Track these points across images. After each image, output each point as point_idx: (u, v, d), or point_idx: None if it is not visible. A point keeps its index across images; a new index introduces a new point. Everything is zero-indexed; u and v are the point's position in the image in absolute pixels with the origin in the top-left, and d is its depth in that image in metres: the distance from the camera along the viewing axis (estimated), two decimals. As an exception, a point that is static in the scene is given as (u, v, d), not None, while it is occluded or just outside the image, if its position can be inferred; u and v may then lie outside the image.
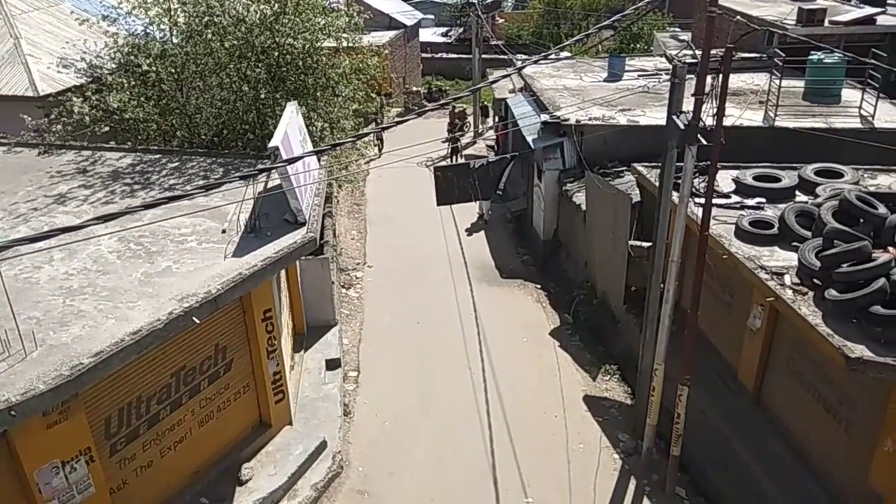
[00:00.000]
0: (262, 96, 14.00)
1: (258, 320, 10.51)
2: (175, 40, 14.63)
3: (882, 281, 8.61)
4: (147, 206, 5.75)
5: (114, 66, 14.96)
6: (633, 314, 13.75)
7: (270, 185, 11.04)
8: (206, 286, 9.02)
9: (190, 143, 14.63)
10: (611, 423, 12.34)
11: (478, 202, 20.17)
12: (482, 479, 11.17)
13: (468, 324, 15.68)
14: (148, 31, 14.87)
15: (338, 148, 16.54)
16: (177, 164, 12.88)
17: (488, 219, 21.10)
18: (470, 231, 19.75)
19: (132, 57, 14.45)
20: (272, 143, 9.84)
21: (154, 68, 14.09)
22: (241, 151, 14.02)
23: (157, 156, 13.31)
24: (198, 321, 8.67)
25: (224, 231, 10.38)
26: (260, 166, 8.18)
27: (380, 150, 24.59)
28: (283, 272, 12.79)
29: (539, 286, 17.86)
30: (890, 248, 9.53)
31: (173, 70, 14.34)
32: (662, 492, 10.64)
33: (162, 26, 14.56)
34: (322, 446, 11.33)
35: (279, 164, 8.15)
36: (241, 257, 9.70)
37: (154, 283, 9.18)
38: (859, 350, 8.14)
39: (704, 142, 9.21)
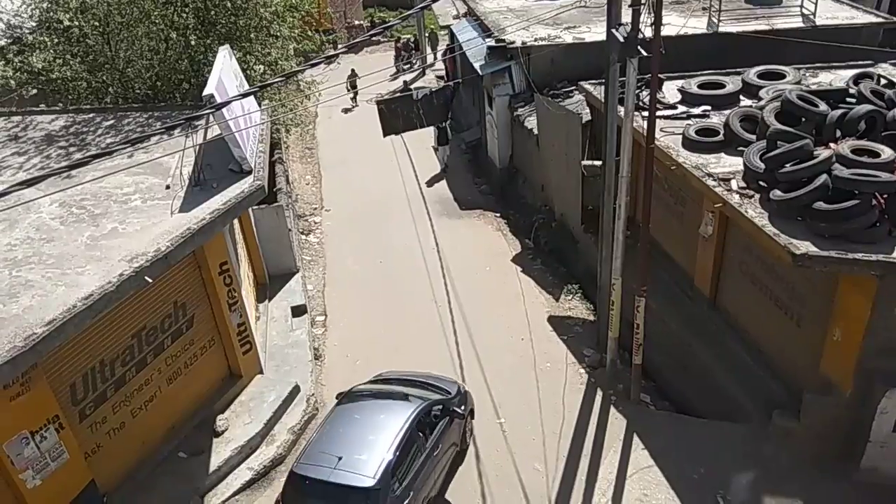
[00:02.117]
0: (193, 43, 13.46)
1: (215, 274, 10.40)
2: (95, -10, 13.88)
3: (824, 177, 8.80)
4: (72, 167, 5.55)
5: (34, 24, 14.17)
6: (591, 233, 13.92)
7: (211, 135, 10.73)
8: (155, 244, 8.85)
9: (124, 99, 14.10)
10: (576, 340, 12.66)
11: (438, 152, 19.87)
12: (455, 406, 11.43)
13: (431, 258, 15.75)
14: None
15: (281, 90, 16.12)
16: (112, 121, 12.41)
17: (447, 170, 20.45)
18: (431, 183, 19.41)
19: (51, 13, 13.69)
20: (206, 91, 9.50)
21: (76, 23, 13.39)
22: (179, 103, 13.55)
23: (91, 115, 12.78)
24: (150, 280, 8.55)
25: (168, 187, 10.13)
26: (186, 115, 7.86)
27: (354, 98, 24.09)
28: (236, 223, 12.61)
29: (498, 214, 17.92)
30: (831, 145, 9.71)
31: (97, 23, 13.65)
32: (628, 400, 11.03)
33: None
34: (295, 391, 11.44)
35: (205, 112, 7.87)
36: (188, 212, 9.49)
37: (101, 245, 8.97)
38: (805, 246, 8.38)
39: (645, 53, 9.13)
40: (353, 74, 22.69)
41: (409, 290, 14.71)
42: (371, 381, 10.67)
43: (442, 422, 9.58)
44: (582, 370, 11.87)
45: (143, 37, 13.39)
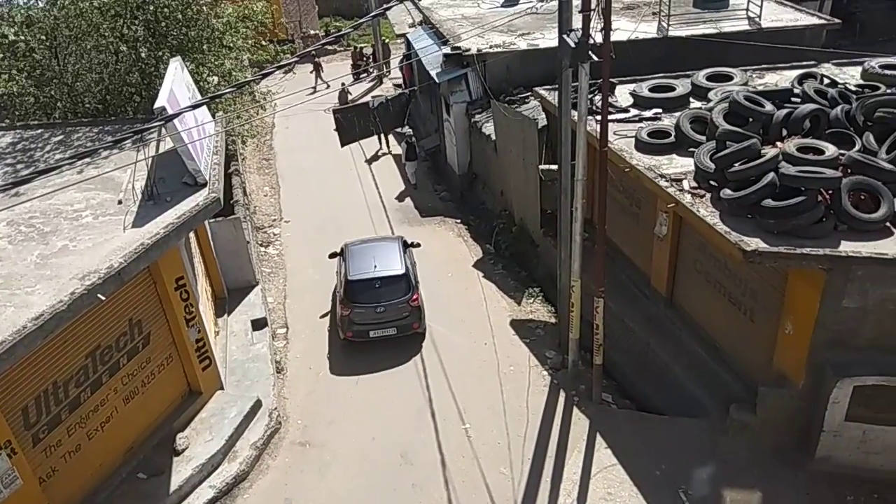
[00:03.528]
0: (144, 55, 13.25)
1: (171, 289, 10.22)
2: (41, 4, 13.59)
3: (771, 175, 9.03)
4: (18, 183, 5.42)
5: (-23, 40, 13.81)
6: (551, 236, 14.06)
7: (164, 148, 10.57)
8: (107, 261, 8.67)
9: (74, 114, 13.81)
10: (538, 343, 12.75)
11: (406, 168, 19.91)
12: (420, 412, 11.42)
13: (393, 266, 15.67)
14: (9, -3, 13.79)
15: (236, 101, 15.97)
16: (61, 137, 12.15)
17: (417, 184, 19.95)
18: (401, 198, 19.32)
19: (-6, 28, 13.36)
20: (157, 104, 9.36)
21: (22, 37, 13.08)
22: (130, 116, 13.33)
23: (39, 131, 12.50)
24: (103, 298, 8.37)
25: (120, 202, 9.94)
26: (137, 128, 7.73)
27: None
28: (192, 237, 12.43)
29: (459, 220, 17.98)
30: (778, 143, 10.00)
31: (44, 37, 13.37)
32: (590, 400, 11.14)
33: (24, -10, 13.52)
34: (257, 406, 11.29)
35: (156, 124, 7.75)
36: (141, 227, 9.33)
37: (51, 264, 8.76)
38: (755, 243, 8.58)
39: (596, 58, 9.28)
40: (345, 92, 22.34)
41: (372, 299, 14.63)
42: (346, 244, 14.37)
43: (409, 248, 14.28)
44: (545, 372, 11.97)
45: (92, 50, 13.15)
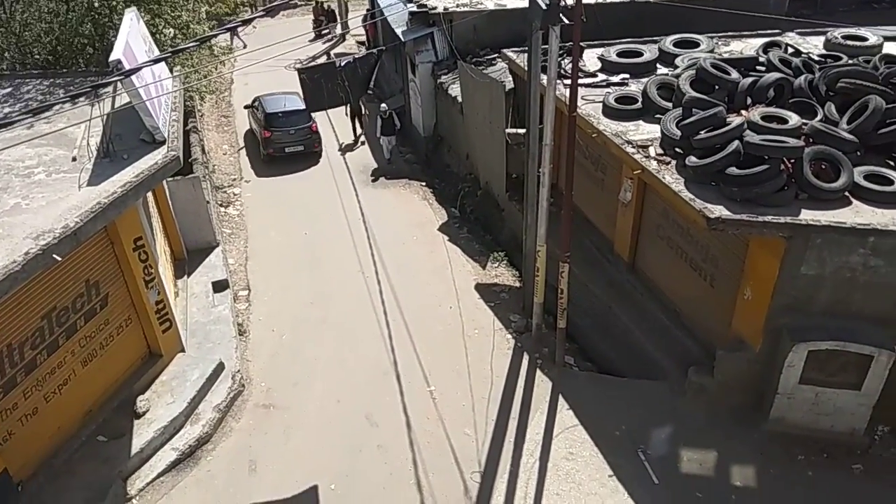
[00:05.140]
0: (97, 5, 12.64)
1: (129, 250, 9.95)
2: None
3: (735, 143, 9.12)
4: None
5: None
6: (516, 201, 14.07)
7: (120, 103, 10.16)
8: (62, 220, 8.36)
9: (22, 65, 13.16)
10: (502, 307, 12.83)
11: (382, 142, 18.88)
12: (385, 375, 11.45)
13: (357, 229, 15.56)
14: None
15: (194, 56, 15.43)
16: (9, 89, 11.60)
17: (393, 159, 19.08)
18: (376, 177, 18.28)
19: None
20: (113, 56, 8.94)
21: (-37, -19, 12.36)
22: (83, 69, 12.76)
23: (-15, 82, 11.91)
24: (59, 259, 8.09)
25: (74, 159, 9.57)
26: (92, 82, 7.40)
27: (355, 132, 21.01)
28: (150, 197, 12.08)
29: (424, 183, 17.85)
30: (742, 112, 10.09)
31: (-13, -18, 12.65)
32: (553, 363, 11.30)
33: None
34: (219, 368, 11.16)
35: (113, 79, 7.42)
36: (97, 185, 9.01)
37: (3, 223, 8.41)
38: (718, 210, 8.70)
39: (567, 21, 9.17)
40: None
41: (336, 261, 14.53)
42: (259, 97, 19.45)
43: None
44: (509, 336, 12.07)
45: (41, -3, 12.51)
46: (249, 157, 19.25)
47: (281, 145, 18.46)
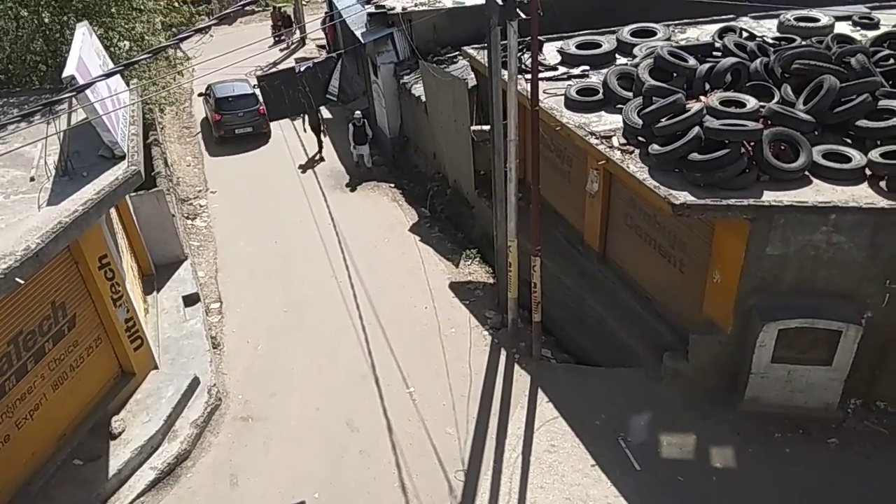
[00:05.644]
0: (47, 20, 12.38)
1: (94, 269, 9.77)
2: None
3: (696, 129, 9.25)
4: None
5: None
6: (485, 197, 14.07)
7: (76, 120, 9.97)
8: (23, 242, 8.16)
9: (-27, 85, 12.84)
10: (477, 304, 12.86)
11: (354, 150, 18.28)
12: (364, 379, 11.40)
13: (328, 234, 15.47)
14: None
15: (151, 67, 15.20)
16: (-39, 111, 11.32)
17: (372, 166, 18.46)
18: (353, 187, 17.76)
19: None
20: (66, 73, 8.78)
21: None
22: (36, 87, 12.50)
23: (-65, 104, 11.60)
24: (22, 282, 7.91)
25: (33, 179, 9.36)
26: (46, 99, 7.25)
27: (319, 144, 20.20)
28: (114, 213, 11.87)
29: (392, 185, 17.81)
30: (701, 98, 10.22)
31: (-67, 2, 12.30)
32: (530, 357, 11.35)
33: None
34: (195, 383, 11.01)
35: (67, 94, 7.26)
36: (57, 204, 8.82)
37: (-39, 248, 8.20)
38: (683, 196, 8.81)
39: (524, 16, 9.20)
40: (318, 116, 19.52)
41: (308, 267, 14.43)
42: (211, 84, 20.53)
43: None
44: (485, 332, 12.10)
45: (-11, 15, 12.20)
46: (204, 141, 20.92)
47: (231, 127, 20.06)
